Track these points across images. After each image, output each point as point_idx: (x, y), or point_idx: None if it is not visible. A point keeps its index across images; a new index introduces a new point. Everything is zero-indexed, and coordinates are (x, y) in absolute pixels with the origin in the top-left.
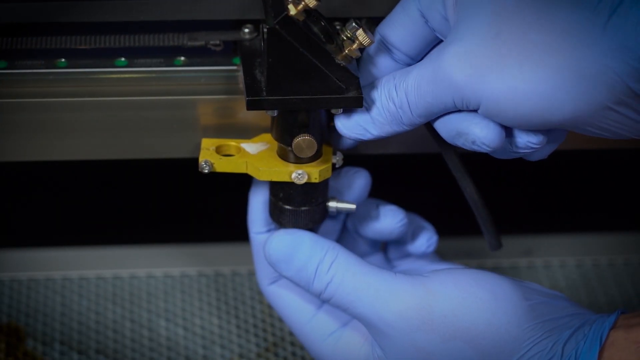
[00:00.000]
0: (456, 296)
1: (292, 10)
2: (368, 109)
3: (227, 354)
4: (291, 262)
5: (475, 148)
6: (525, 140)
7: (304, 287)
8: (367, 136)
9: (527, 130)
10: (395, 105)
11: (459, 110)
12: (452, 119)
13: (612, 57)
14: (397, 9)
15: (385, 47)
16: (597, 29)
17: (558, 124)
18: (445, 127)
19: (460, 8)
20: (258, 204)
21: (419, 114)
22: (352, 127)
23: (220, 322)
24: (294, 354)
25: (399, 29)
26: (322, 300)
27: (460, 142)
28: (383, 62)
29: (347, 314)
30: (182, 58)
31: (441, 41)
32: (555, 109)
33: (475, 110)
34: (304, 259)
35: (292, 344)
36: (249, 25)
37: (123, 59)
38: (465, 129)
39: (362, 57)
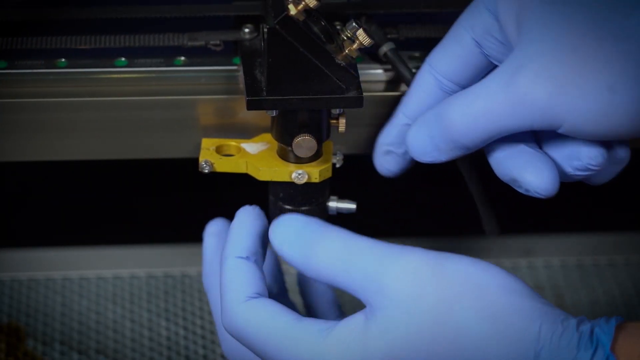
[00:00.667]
0: (468, 262)
1: (292, 10)
2: (431, 136)
3: None
4: (296, 242)
5: (530, 194)
6: (585, 163)
7: (304, 263)
8: (436, 161)
9: (589, 148)
10: (460, 134)
11: (515, 151)
12: (508, 164)
13: None
14: (449, 39)
15: (434, 77)
16: None
17: None
18: (500, 170)
19: (525, 30)
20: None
21: (487, 137)
22: (421, 154)
23: None
24: None
25: (452, 59)
26: (323, 272)
27: (515, 187)
28: (432, 92)
29: (348, 282)
30: (182, 58)
31: (494, 67)
32: None
33: (554, 131)
34: (309, 237)
35: None
36: (249, 25)
37: (123, 59)
38: (518, 176)
39: (411, 88)
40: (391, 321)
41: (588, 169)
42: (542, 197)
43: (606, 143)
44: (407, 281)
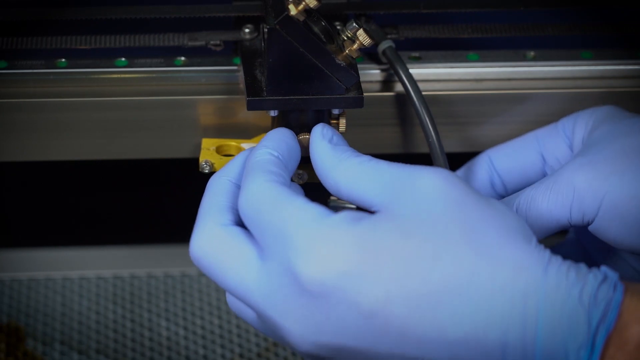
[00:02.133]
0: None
1: (293, 10)
2: None
3: (227, 354)
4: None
5: None
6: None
7: (334, 164)
8: None
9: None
10: None
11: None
12: None
13: None
14: (517, 143)
15: (488, 169)
16: None
17: None
18: None
19: (586, 145)
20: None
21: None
22: None
23: (221, 322)
24: (294, 354)
25: (513, 162)
26: (349, 175)
27: None
28: (482, 180)
29: (374, 184)
30: (182, 58)
31: None
32: None
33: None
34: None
35: None
36: (249, 25)
37: (123, 59)
38: None
39: (462, 168)
40: (409, 212)
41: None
42: None
43: None
44: (439, 181)
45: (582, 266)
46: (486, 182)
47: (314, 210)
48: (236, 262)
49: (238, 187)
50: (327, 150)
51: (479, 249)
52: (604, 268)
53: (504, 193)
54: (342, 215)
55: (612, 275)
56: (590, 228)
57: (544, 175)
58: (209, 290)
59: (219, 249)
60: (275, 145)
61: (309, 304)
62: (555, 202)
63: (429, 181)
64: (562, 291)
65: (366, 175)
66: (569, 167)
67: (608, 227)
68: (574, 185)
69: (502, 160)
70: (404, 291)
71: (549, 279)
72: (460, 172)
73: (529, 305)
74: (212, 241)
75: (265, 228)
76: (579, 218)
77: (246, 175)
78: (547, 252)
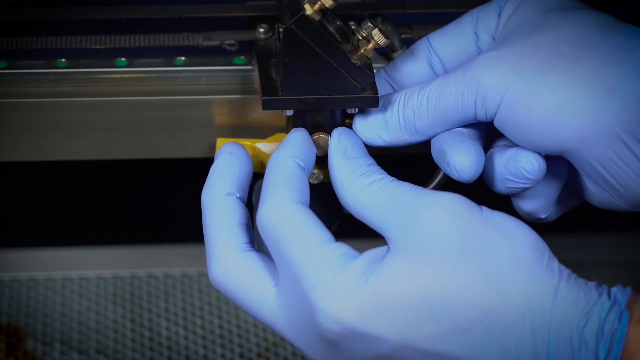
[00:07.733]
0: (505, 215)
1: (308, 9)
2: (384, 114)
3: (227, 354)
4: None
5: (449, 172)
6: (521, 167)
7: (345, 186)
8: (378, 142)
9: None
10: (412, 110)
11: (455, 133)
12: (445, 137)
13: (636, 80)
14: (453, 23)
15: (427, 50)
16: (626, 52)
17: (563, 143)
18: (436, 144)
19: (507, 27)
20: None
21: (435, 119)
22: (366, 131)
23: (221, 322)
24: (294, 353)
25: (449, 39)
26: (359, 201)
27: (441, 164)
28: (420, 63)
29: (383, 213)
30: (182, 58)
31: None
32: (565, 121)
33: (491, 123)
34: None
35: None
36: (264, 25)
37: (123, 59)
38: (447, 148)
39: (402, 54)
40: (418, 251)
41: (523, 176)
42: (462, 177)
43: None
44: (444, 215)
45: (592, 289)
46: (425, 64)
47: (336, 252)
48: (254, 293)
49: (239, 200)
50: (340, 166)
51: (490, 284)
52: (614, 290)
53: (443, 73)
54: (360, 261)
55: (621, 297)
56: (495, 123)
57: (479, 51)
58: (209, 290)
59: (237, 279)
60: (301, 153)
61: (326, 348)
62: (462, 95)
63: (435, 215)
64: (570, 324)
65: (374, 201)
66: (479, 60)
67: (504, 126)
68: (479, 80)
69: (440, 41)
70: (417, 335)
71: (557, 310)
72: (400, 57)
73: (538, 339)
74: (227, 272)
75: (284, 257)
76: (482, 114)
77: (272, 187)
78: (556, 276)
